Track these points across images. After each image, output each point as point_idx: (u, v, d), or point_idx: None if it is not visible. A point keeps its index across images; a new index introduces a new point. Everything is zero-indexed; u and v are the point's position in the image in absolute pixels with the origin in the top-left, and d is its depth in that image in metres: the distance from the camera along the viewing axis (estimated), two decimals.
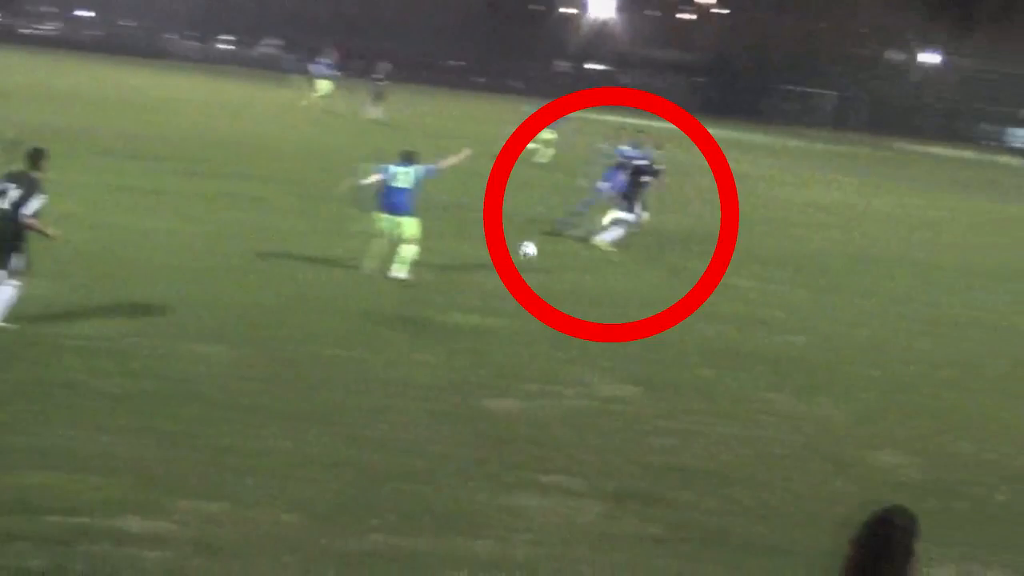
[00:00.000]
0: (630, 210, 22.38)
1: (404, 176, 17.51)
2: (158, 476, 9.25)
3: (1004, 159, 65.37)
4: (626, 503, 9.75)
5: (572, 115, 39.18)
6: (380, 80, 47.37)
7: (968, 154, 66.22)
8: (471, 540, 8.71)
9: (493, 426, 11.36)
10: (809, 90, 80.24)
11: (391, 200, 17.51)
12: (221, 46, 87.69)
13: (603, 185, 23.25)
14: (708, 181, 34.36)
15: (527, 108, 39.64)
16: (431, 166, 17.98)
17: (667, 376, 13.78)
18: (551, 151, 36.54)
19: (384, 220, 17.63)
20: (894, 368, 15.33)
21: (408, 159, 17.74)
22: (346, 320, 14.90)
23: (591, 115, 48.62)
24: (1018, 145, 72.18)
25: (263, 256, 18.03)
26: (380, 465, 9.99)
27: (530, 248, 19.21)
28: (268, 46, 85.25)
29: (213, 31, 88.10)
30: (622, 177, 22.67)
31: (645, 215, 22.85)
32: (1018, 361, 16.57)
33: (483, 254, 19.97)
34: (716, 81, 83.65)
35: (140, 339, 12.94)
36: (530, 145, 36.48)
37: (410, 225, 17.54)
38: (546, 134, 36.84)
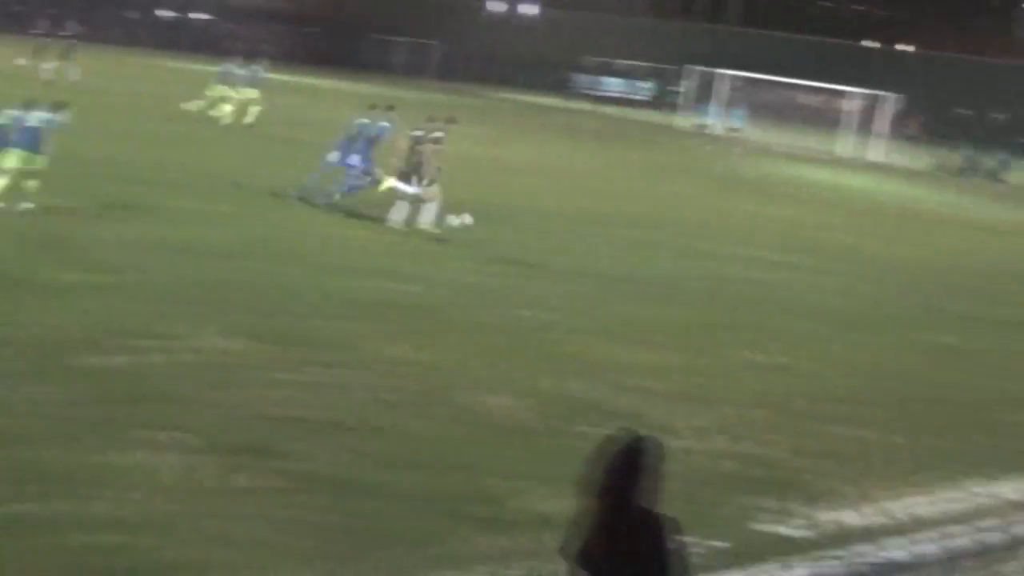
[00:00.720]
0: (408, 182, 21.50)
1: (32, 118, 18.62)
2: None
3: (601, 108, 68.11)
4: (245, 456, 9.67)
5: (264, 72, 37.74)
6: (68, 38, 44.24)
7: (569, 103, 68.71)
8: (85, 502, 8.45)
9: (104, 384, 11.03)
10: (414, 40, 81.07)
11: (19, 138, 18.41)
12: None
13: (349, 159, 22.52)
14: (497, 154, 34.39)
15: (222, 68, 37.56)
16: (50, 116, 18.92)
17: (285, 328, 13.72)
18: (256, 109, 35.32)
19: (14, 156, 18.39)
20: (506, 313, 15.80)
21: (31, 107, 18.81)
22: None
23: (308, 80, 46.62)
24: (614, 94, 75.26)
25: None
26: None
27: (467, 218, 20.40)
28: None
29: None
30: (356, 152, 22.31)
31: (425, 187, 21.62)
32: (626, 302, 17.45)
33: (97, 210, 19.32)
34: (324, 32, 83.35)
35: None
36: (224, 107, 35.22)
37: (36, 161, 18.49)
38: (240, 92, 35.56)
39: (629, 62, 76.03)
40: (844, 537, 9.60)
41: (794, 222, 29.67)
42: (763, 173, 43.05)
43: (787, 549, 9.27)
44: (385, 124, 23.07)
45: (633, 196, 31.00)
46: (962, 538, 9.99)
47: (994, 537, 10.13)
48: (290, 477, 9.43)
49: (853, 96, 57.60)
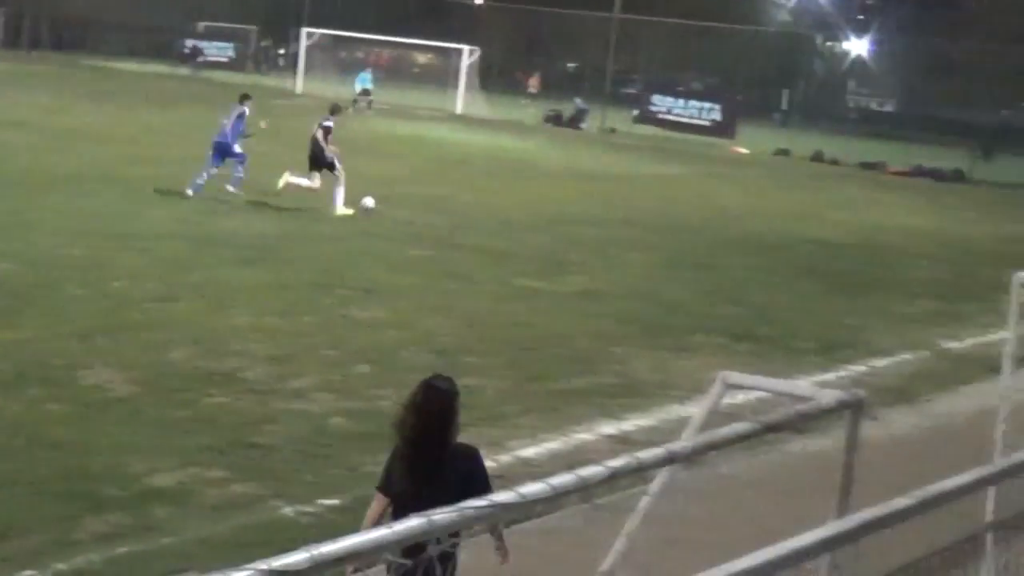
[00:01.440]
0: (308, 173, 22.13)
1: None
2: None
3: (205, 73, 65.85)
4: None
5: None
6: None
7: (173, 70, 66.25)
8: None
9: None
10: None
11: None
12: None
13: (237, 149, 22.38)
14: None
15: None
16: None
17: None
18: None
19: None
20: (101, 285, 14.75)
21: None
22: None
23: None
24: (220, 58, 72.48)
25: None
26: None
27: (369, 201, 21.29)
28: None
29: None
30: (229, 139, 22.28)
31: (316, 179, 22.07)
32: (219, 266, 16.65)
33: None
34: None
35: None
36: None
37: None
38: None
39: (235, 25, 73.84)
40: None
41: (391, 178, 28.98)
42: (375, 133, 42.67)
43: None
44: (245, 112, 23.05)
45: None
46: (596, 474, 9.83)
47: (625, 471, 10.02)
48: None
49: (461, 53, 57.87)
